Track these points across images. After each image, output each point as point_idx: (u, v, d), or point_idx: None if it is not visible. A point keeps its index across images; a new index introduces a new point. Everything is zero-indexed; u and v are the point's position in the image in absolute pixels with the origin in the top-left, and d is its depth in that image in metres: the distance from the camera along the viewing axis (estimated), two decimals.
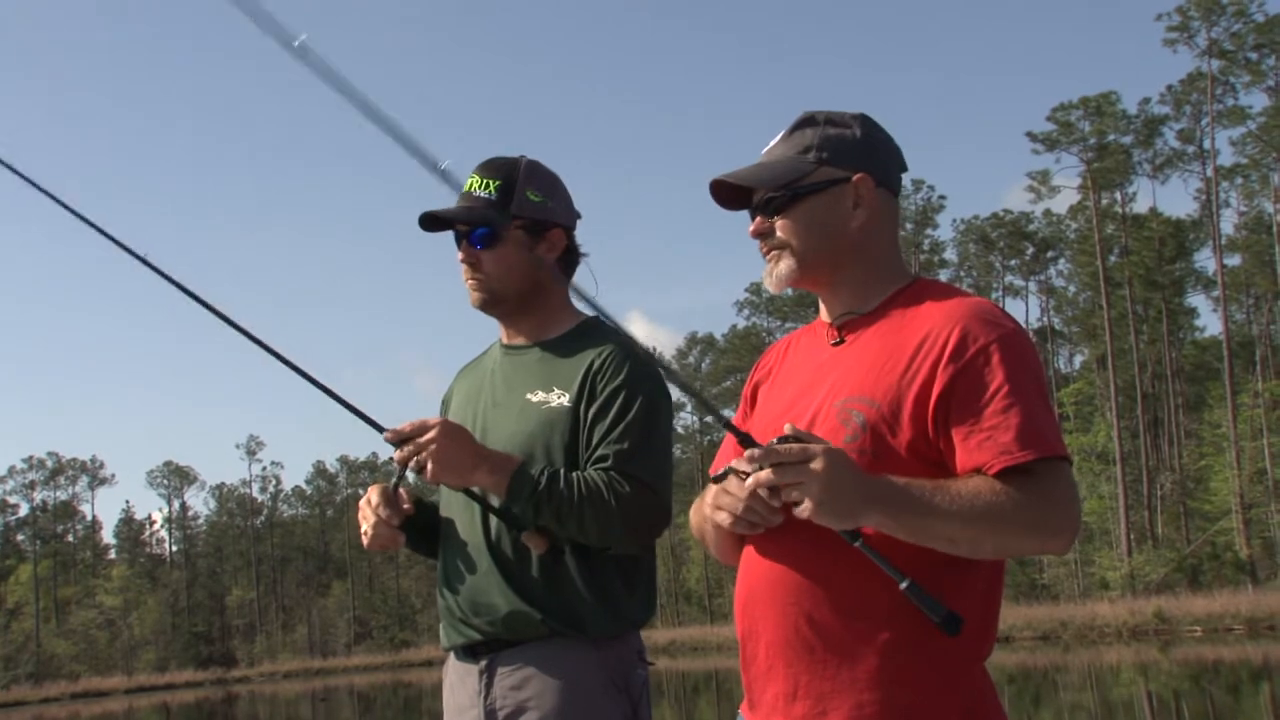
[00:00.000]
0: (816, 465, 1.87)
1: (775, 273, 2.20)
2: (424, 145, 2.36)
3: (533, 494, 2.58)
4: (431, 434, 2.57)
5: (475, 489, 2.70)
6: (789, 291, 2.39)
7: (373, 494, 2.75)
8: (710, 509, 2.11)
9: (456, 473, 2.61)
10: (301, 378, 2.69)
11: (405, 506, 2.74)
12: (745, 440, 1.97)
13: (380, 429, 2.66)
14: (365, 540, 2.78)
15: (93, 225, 2.80)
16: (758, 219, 2.21)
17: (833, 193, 2.16)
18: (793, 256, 2.18)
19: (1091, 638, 41.05)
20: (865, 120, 2.23)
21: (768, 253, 2.21)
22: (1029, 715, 20.39)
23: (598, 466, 2.63)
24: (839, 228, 2.16)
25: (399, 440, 2.60)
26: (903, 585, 1.90)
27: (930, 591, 1.91)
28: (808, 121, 2.22)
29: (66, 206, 2.81)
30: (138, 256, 2.74)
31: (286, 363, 2.71)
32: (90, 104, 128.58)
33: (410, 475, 2.67)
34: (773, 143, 2.25)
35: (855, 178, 2.16)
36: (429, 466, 2.57)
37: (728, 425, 2.07)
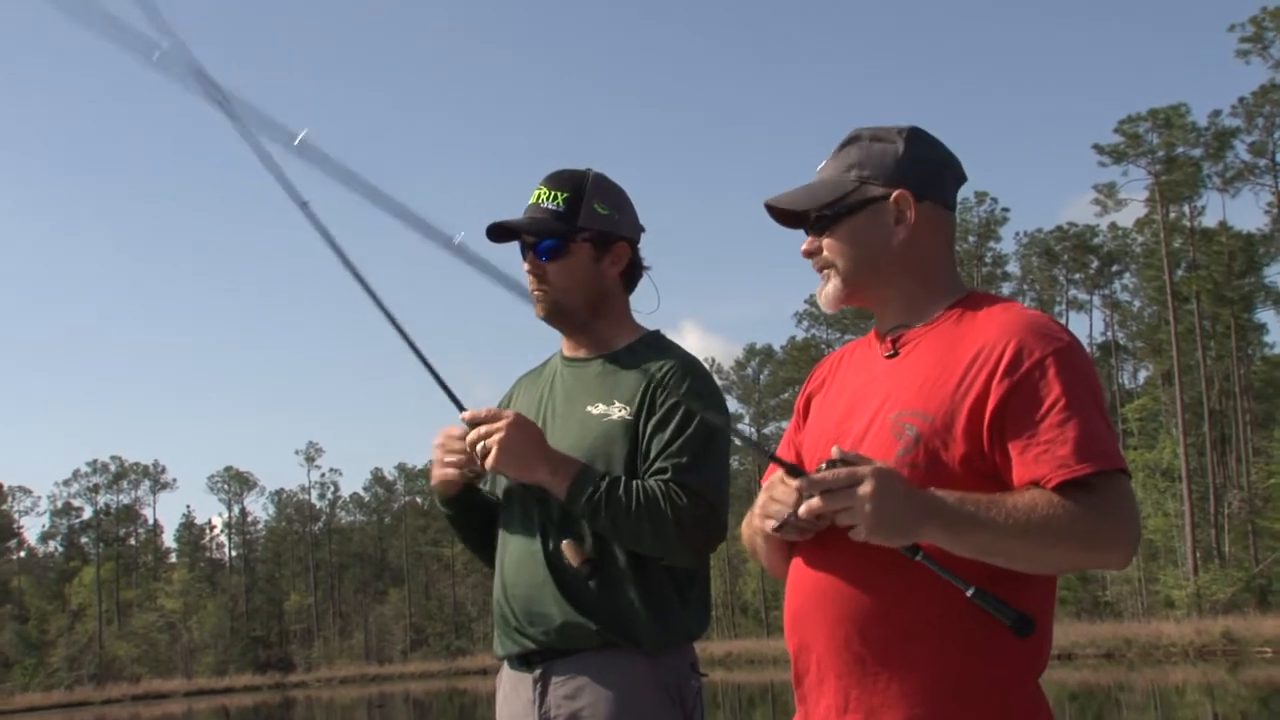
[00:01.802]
0: (865, 489, 1.86)
1: (824, 292, 2.24)
2: (435, 224, 2.51)
3: (592, 497, 2.60)
4: (502, 423, 2.63)
5: (536, 498, 2.72)
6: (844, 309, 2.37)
7: (455, 429, 2.76)
8: (759, 518, 2.10)
9: (519, 464, 2.65)
10: (405, 341, 2.69)
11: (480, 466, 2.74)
12: (792, 471, 1.98)
13: (461, 407, 2.72)
14: (439, 470, 2.80)
15: None
16: (809, 238, 2.24)
17: (872, 210, 2.17)
18: (838, 276, 2.20)
19: (1156, 657, 40.41)
20: (912, 134, 2.22)
21: (820, 271, 2.24)
22: None
23: (656, 479, 2.64)
24: (881, 245, 2.17)
25: (474, 423, 2.67)
26: (969, 593, 1.89)
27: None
28: (853, 139, 2.24)
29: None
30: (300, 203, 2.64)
31: (397, 327, 2.69)
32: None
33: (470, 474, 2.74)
34: (825, 161, 2.27)
35: (894, 195, 2.16)
36: (493, 453, 2.62)
37: (771, 456, 2.09)
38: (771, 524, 2.05)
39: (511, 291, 2.59)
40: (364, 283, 2.63)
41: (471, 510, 2.92)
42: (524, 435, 2.64)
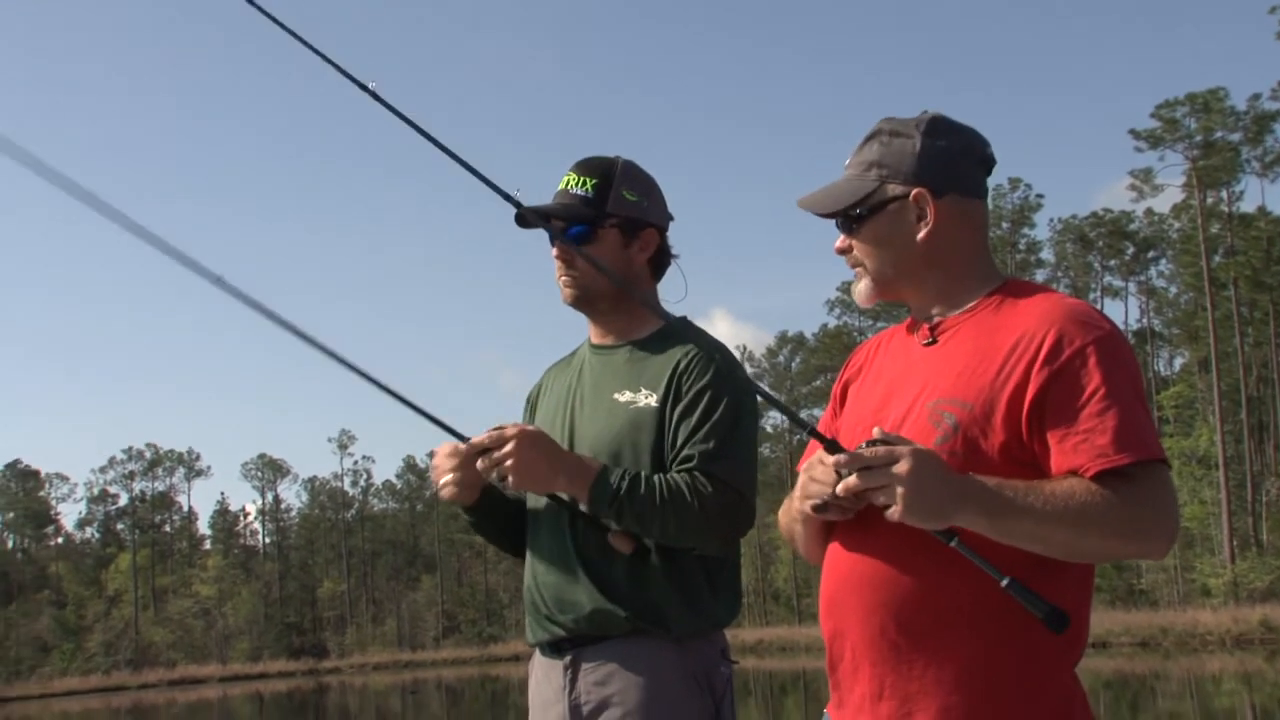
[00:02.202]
0: (902, 468, 1.86)
1: (857, 290, 2.26)
2: (495, 178, 2.54)
3: (613, 500, 2.59)
4: (510, 446, 2.59)
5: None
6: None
7: (444, 448, 2.76)
8: (799, 500, 2.10)
9: (536, 481, 2.64)
10: (383, 391, 2.70)
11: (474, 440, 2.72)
12: (831, 446, 1.97)
13: (463, 439, 2.71)
14: (444, 491, 2.77)
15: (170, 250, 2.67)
16: (840, 237, 2.25)
17: (893, 210, 2.17)
18: (868, 276, 2.22)
19: (1193, 645, 40.13)
20: (932, 125, 2.20)
21: (853, 268, 2.25)
22: None
23: (682, 467, 2.63)
24: (905, 244, 2.17)
25: (481, 449, 2.63)
26: (1004, 583, 1.87)
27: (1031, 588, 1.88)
28: (874, 135, 2.24)
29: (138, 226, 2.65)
30: (212, 277, 2.65)
31: (367, 377, 2.72)
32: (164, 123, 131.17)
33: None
34: (850, 156, 2.27)
35: (913, 194, 2.15)
36: (510, 478, 2.61)
37: (812, 432, 2.06)
38: (811, 503, 2.05)
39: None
40: (335, 355, 2.67)
41: (492, 512, 2.91)
42: (535, 450, 2.61)
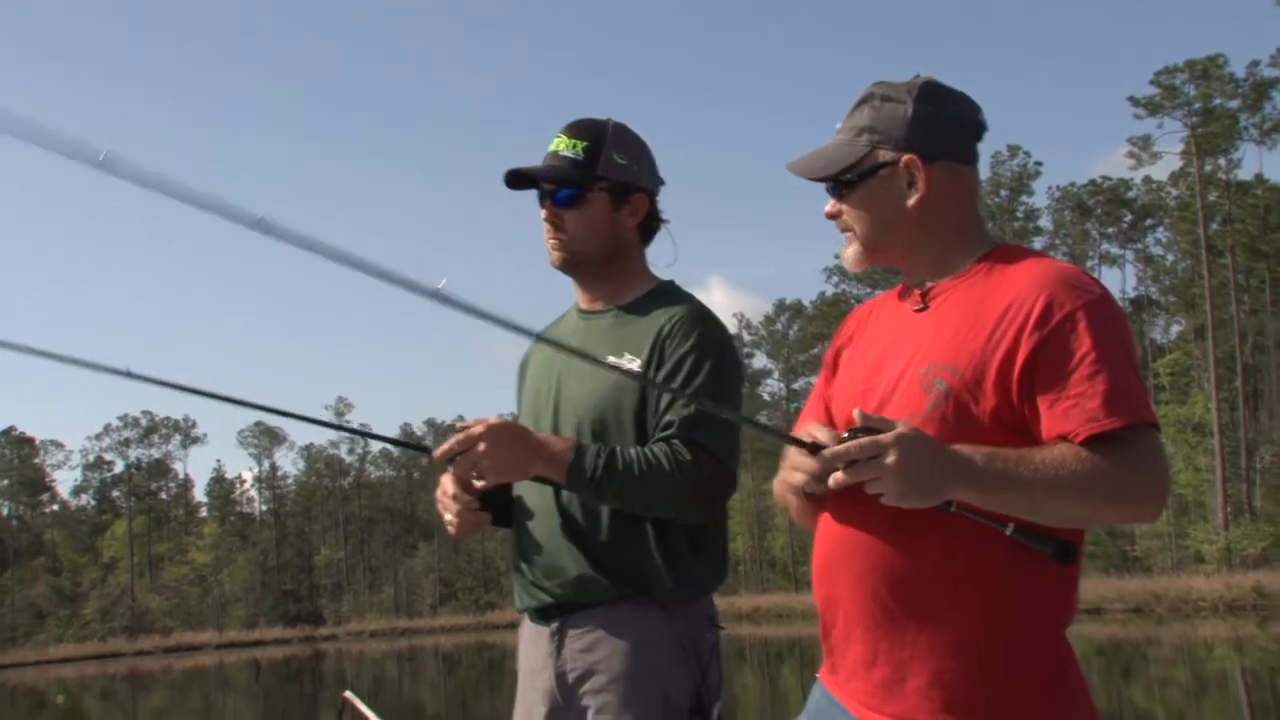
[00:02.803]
0: (891, 459, 1.85)
1: (846, 254, 2.25)
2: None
3: (590, 482, 2.57)
4: (482, 445, 2.54)
5: None
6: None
7: (447, 483, 2.76)
8: (788, 470, 2.09)
9: (513, 474, 2.62)
10: (331, 428, 2.65)
11: (479, 483, 2.70)
12: (812, 449, 1.96)
13: (428, 451, 2.68)
14: (451, 529, 2.80)
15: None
16: (830, 201, 2.24)
17: (884, 175, 2.16)
18: (857, 240, 2.21)
19: (1186, 611, 40.36)
20: (924, 90, 2.19)
21: (842, 232, 2.24)
22: (1119, 689, 20.01)
23: (664, 433, 2.61)
24: (895, 210, 2.16)
25: (449, 458, 2.57)
26: (1008, 530, 1.90)
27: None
28: (866, 99, 2.22)
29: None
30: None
31: (308, 419, 2.90)
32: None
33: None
34: (842, 120, 2.26)
35: (904, 160, 2.14)
36: (487, 476, 2.58)
37: (792, 440, 2.04)
38: (799, 476, 2.05)
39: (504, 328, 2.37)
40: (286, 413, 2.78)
41: (506, 505, 2.87)
42: (505, 442, 2.56)
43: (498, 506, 2.84)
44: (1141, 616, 40.78)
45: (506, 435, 2.58)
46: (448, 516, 2.78)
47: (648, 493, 2.56)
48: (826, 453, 1.91)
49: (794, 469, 2.06)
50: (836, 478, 1.90)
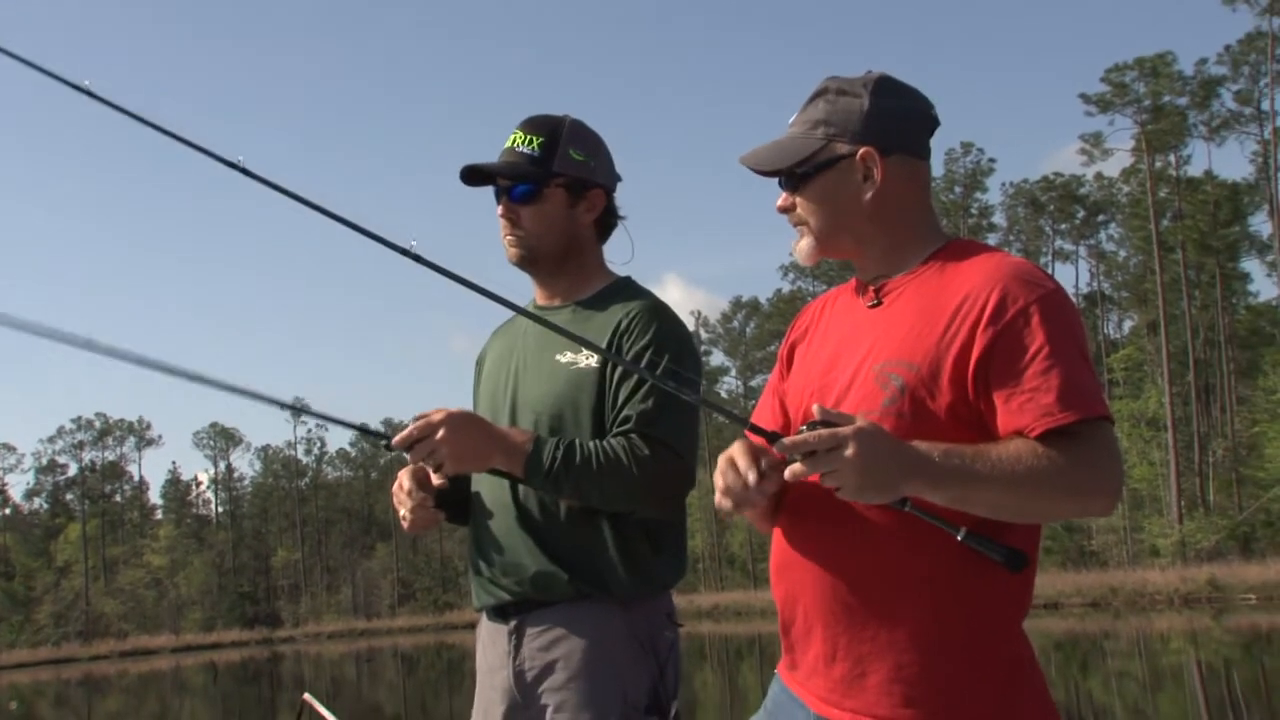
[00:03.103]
0: (849, 452, 1.84)
1: (799, 248, 2.23)
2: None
3: (549, 474, 2.56)
4: (440, 434, 2.52)
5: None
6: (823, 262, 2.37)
7: (403, 478, 2.75)
8: (719, 497, 2.06)
9: (472, 463, 2.60)
10: (290, 410, 2.58)
11: (437, 482, 2.74)
12: (770, 436, 1.93)
13: (386, 438, 2.61)
14: (405, 525, 2.78)
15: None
16: (783, 195, 2.22)
17: (840, 168, 2.16)
18: (810, 233, 2.20)
19: (1142, 605, 40.72)
20: (879, 84, 2.19)
21: (795, 226, 2.23)
22: (1076, 682, 20.13)
23: (621, 428, 2.61)
24: (850, 203, 2.16)
25: (408, 445, 2.54)
26: (960, 535, 1.89)
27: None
28: (820, 93, 2.22)
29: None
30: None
31: (272, 401, 2.66)
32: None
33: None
34: (795, 114, 2.25)
35: (860, 153, 2.14)
36: (445, 464, 2.54)
37: (751, 426, 2.06)
38: (727, 503, 2.03)
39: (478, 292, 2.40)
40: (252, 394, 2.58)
41: (461, 503, 2.87)
42: (464, 431, 2.55)
43: (453, 504, 2.84)
44: (1098, 610, 41.10)
45: (466, 424, 2.56)
46: (402, 512, 2.76)
47: (605, 486, 2.55)
48: (785, 442, 1.88)
49: (724, 494, 2.02)
50: (794, 469, 1.88)
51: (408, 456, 2.58)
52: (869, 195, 2.15)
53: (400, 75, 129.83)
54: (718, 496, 2.05)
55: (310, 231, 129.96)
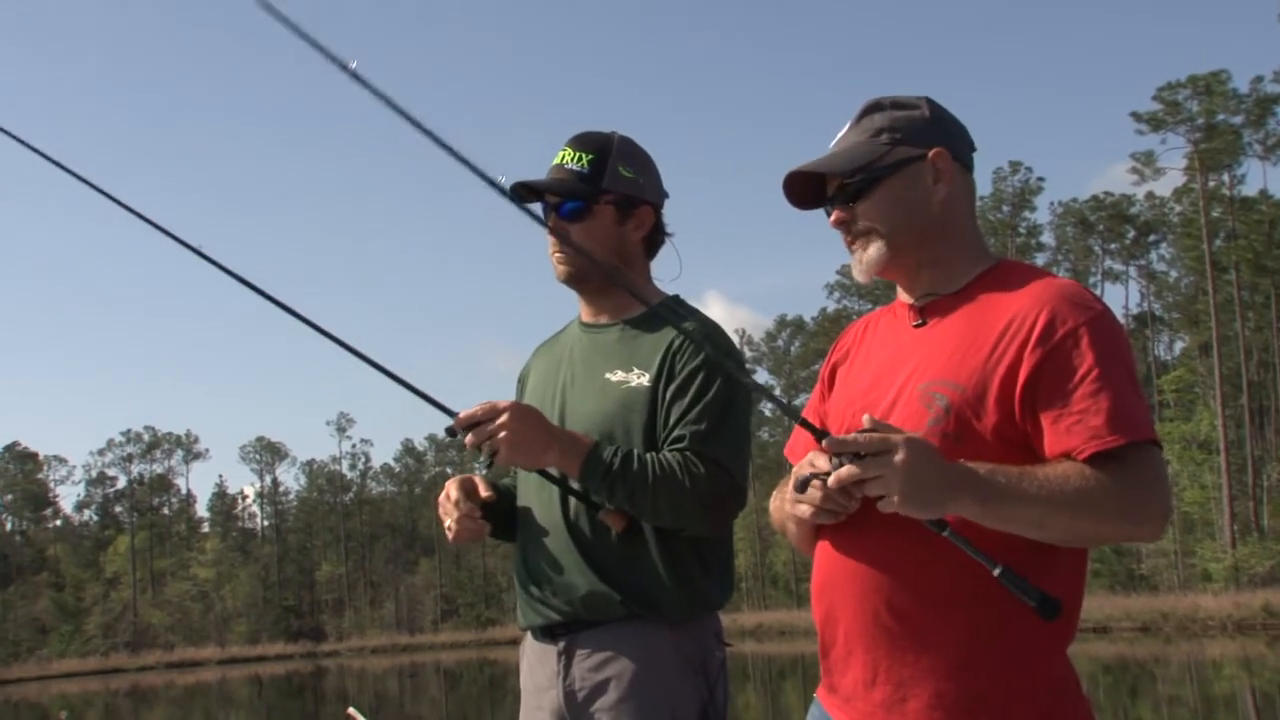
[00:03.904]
0: (899, 458, 1.83)
1: (865, 259, 2.17)
2: (486, 158, 2.39)
3: (606, 475, 2.55)
4: (503, 418, 2.52)
5: (551, 470, 2.68)
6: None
7: (450, 488, 2.75)
8: (791, 504, 2.08)
9: (529, 455, 2.57)
10: (369, 365, 2.64)
11: (485, 494, 2.74)
12: (818, 433, 1.93)
13: (451, 414, 2.59)
14: (450, 536, 2.76)
15: (153, 224, 2.76)
16: (836, 210, 2.18)
17: (911, 170, 2.14)
18: (880, 239, 2.15)
19: (1194, 630, 40.12)
20: (931, 101, 2.21)
21: (852, 242, 2.19)
22: (1126, 708, 19.87)
23: (674, 447, 2.60)
24: (922, 205, 2.14)
25: (470, 425, 2.54)
26: (996, 572, 1.86)
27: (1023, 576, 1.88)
28: (874, 107, 2.21)
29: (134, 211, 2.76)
30: (193, 249, 2.69)
31: (352, 350, 2.66)
32: (141, 103, 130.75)
33: (481, 466, 2.64)
34: (841, 132, 2.23)
35: (932, 153, 2.14)
36: (501, 451, 2.53)
37: (800, 420, 2.07)
38: (805, 509, 2.04)
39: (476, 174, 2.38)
40: (321, 329, 2.62)
41: (504, 521, 2.85)
42: (527, 425, 2.55)
43: (499, 518, 2.81)
44: (1149, 635, 40.58)
45: (529, 415, 2.57)
46: (448, 522, 2.74)
47: (658, 497, 2.53)
48: (835, 439, 1.88)
49: (797, 501, 2.05)
50: (840, 473, 1.87)
51: (467, 441, 2.56)
52: (941, 198, 2.14)
53: (444, 90, 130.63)
54: (804, 508, 2.03)
55: (353, 258, 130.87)
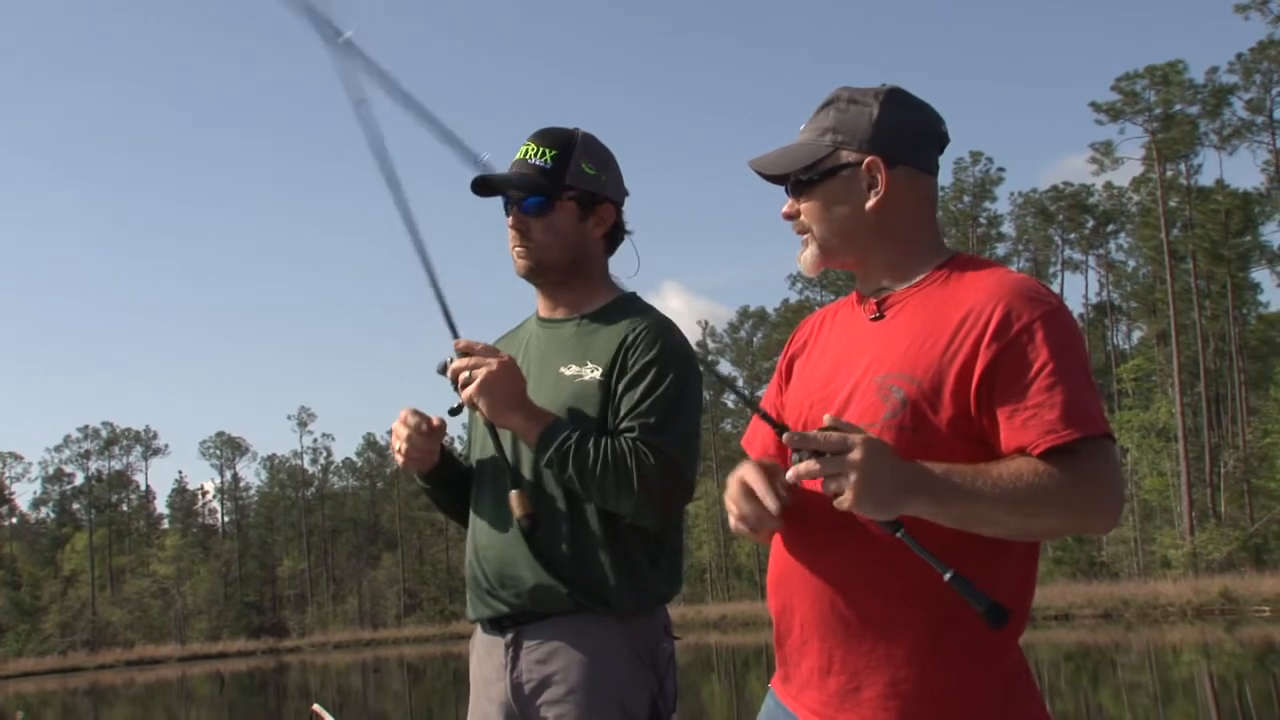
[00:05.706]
0: (856, 455, 1.84)
1: (803, 257, 2.23)
2: (463, 140, 2.48)
3: (560, 447, 2.60)
4: (493, 362, 2.64)
5: (507, 462, 2.73)
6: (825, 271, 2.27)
7: (405, 414, 2.79)
8: (733, 521, 2.12)
9: (495, 403, 2.64)
10: (419, 254, 2.73)
11: (436, 422, 2.78)
12: (780, 428, 1.96)
13: (456, 334, 2.74)
14: (399, 459, 2.82)
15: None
16: (789, 201, 2.23)
17: (845, 176, 2.16)
18: (814, 241, 2.20)
19: (1154, 616, 40.53)
20: (890, 96, 2.19)
21: (800, 234, 2.23)
22: (1086, 694, 19.99)
23: (624, 437, 2.63)
24: (854, 211, 2.16)
25: (466, 352, 2.67)
26: (946, 576, 1.87)
27: (971, 577, 1.89)
28: (831, 101, 2.22)
29: None
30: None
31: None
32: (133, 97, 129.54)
33: (448, 412, 2.74)
34: (806, 122, 2.25)
35: (866, 161, 2.14)
36: (473, 385, 2.62)
37: (761, 414, 2.09)
38: (744, 529, 2.10)
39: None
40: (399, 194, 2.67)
41: (451, 483, 2.91)
42: (508, 378, 2.65)
43: (441, 480, 2.88)
44: (1110, 622, 40.91)
45: (516, 376, 2.68)
46: (398, 444, 2.79)
47: (605, 480, 2.57)
48: (794, 435, 1.89)
49: (740, 519, 2.09)
50: (799, 468, 1.88)
51: (452, 367, 2.68)
52: (872, 204, 2.14)
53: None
54: (734, 522, 2.09)
55: (320, 252, 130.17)
